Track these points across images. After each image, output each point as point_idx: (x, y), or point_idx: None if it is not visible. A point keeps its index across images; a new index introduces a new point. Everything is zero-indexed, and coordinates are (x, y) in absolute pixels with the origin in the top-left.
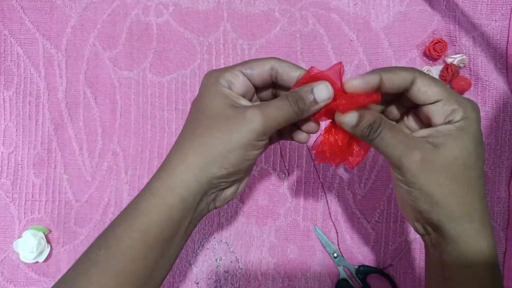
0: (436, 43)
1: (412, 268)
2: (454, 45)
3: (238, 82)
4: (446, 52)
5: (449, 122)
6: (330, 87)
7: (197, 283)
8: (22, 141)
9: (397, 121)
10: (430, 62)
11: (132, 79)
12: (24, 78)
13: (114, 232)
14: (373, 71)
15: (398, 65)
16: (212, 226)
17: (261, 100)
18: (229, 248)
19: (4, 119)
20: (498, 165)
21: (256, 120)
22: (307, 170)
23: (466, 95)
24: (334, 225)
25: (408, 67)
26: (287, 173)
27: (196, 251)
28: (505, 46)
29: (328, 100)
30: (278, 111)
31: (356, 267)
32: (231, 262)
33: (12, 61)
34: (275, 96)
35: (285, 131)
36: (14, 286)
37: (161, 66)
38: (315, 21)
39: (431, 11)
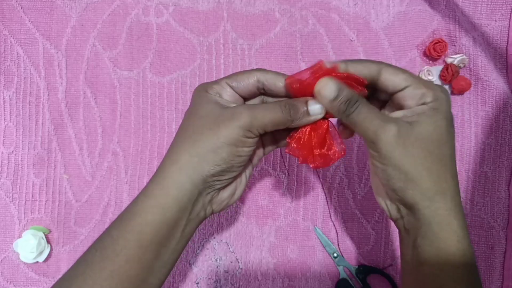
0: (436, 43)
1: None
2: (454, 45)
3: (226, 94)
4: (446, 52)
5: (420, 103)
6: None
7: (197, 283)
8: (22, 141)
9: None
10: (430, 62)
11: (132, 79)
12: (24, 78)
13: (110, 233)
14: (342, 61)
15: (399, 65)
16: (212, 226)
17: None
18: (229, 248)
19: (4, 119)
20: (498, 165)
21: (243, 116)
22: (307, 170)
23: (466, 95)
24: (334, 225)
25: (376, 60)
26: (287, 173)
27: (196, 251)
28: (505, 46)
29: (320, 115)
30: (266, 112)
31: (356, 267)
32: (231, 262)
33: (12, 61)
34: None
35: (280, 138)
36: (14, 286)
37: (161, 66)
38: (315, 21)
39: (431, 11)
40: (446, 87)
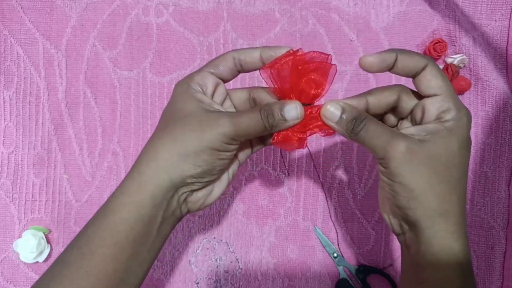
0: (436, 43)
1: None
2: (454, 45)
3: (209, 82)
4: (446, 52)
5: (439, 120)
6: (299, 108)
7: (197, 283)
8: (22, 141)
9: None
10: None
11: (132, 79)
12: (24, 78)
13: (86, 232)
14: (390, 50)
15: None
16: (212, 226)
17: (237, 107)
18: (229, 248)
19: (4, 119)
20: (498, 165)
21: (227, 126)
22: (307, 170)
23: (466, 95)
24: (334, 225)
25: (423, 54)
26: (287, 173)
27: (196, 251)
28: (505, 46)
29: (296, 120)
30: (249, 122)
31: (356, 267)
32: (231, 262)
33: (12, 61)
34: (252, 105)
35: (265, 137)
36: (14, 286)
37: (161, 66)
38: (315, 21)
39: (431, 11)
40: None
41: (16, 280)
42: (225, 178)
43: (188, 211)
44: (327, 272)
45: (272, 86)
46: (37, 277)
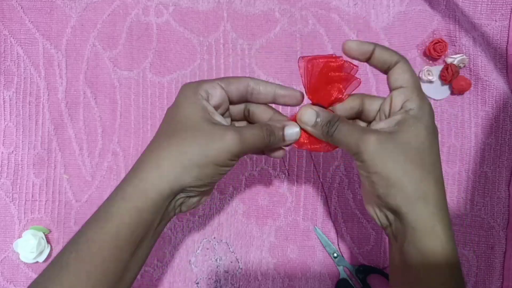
0: (436, 43)
1: None
2: (454, 45)
3: (216, 94)
4: (446, 52)
5: (404, 110)
6: (298, 130)
7: (197, 283)
8: (22, 141)
9: None
10: (430, 62)
11: (132, 79)
12: (24, 78)
13: (85, 235)
14: (370, 43)
15: None
16: (212, 226)
17: (232, 116)
18: (229, 248)
19: (4, 119)
20: (498, 165)
21: (234, 144)
22: (307, 170)
23: (466, 95)
24: (334, 225)
25: (398, 53)
26: (287, 173)
27: (196, 251)
28: (505, 46)
29: (294, 141)
30: (254, 139)
31: (356, 267)
32: (231, 262)
33: (12, 61)
34: (246, 116)
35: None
36: (14, 286)
37: (161, 66)
38: (315, 21)
39: (431, 11)
40: (446, 87)
41: (16, 280)
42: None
43: (180, 211)
44: (327, 272)
45: (303, 76)
46: None
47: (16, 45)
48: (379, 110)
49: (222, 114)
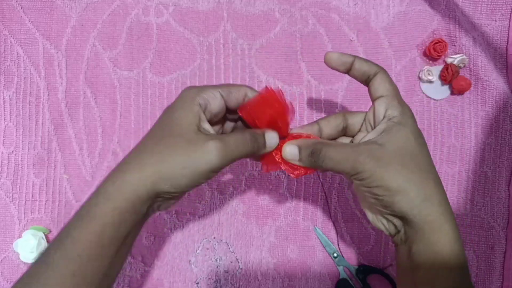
0: (436, 43)
1: None
2: (454, 45)
3: (216, 103)
4: (446, 52)
5: (387, 118)
6: (278, 137)
7: (197, 283)
8: (22, 141)
9: None
10: (430, 62)
11: (132, 79)
12: (24, 78)
13: (70, 234)
14: (350, 55)
15: (398, 65)
16: (212, 226)
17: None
18: (229, 248)
19: (4, 119)
20: (498, 165)
21: (214, 154)
22: None
23: (466, 95)
24: (334, 225)
25: (377, 64)
26: (287, 173)
27: (196, 251)
28: (505, 46)
29: (274, 147)
30: (238, 144)
31: (356, 267)
32: (231, 262)
33: (12, 61)
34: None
35: None
36: None
37: (161, 66)
38: (315, 21)
39: (431, 11)
40: (446, 87)
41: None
42: None
43: (158, 211)
44: (327, 272)
45: (251, 122)
46: None
47: (16, 45)
48: (363, 121)
49: (217, 122)
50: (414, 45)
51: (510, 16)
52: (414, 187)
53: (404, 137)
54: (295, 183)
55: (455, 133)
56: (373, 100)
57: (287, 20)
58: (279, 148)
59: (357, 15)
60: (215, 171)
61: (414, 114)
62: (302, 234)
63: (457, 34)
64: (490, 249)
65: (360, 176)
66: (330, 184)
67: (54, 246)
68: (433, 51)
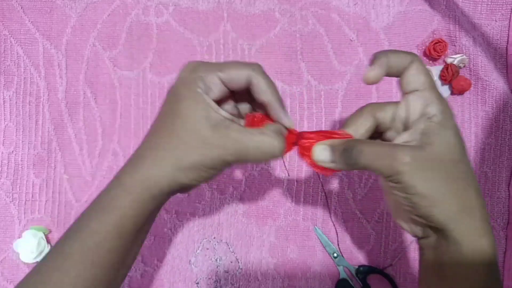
0: (436, 43)
1: (412, 268)
2: (454, 45)
3: (216, 89)
4: (446, 52)
5: (426, 116)
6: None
7: (197, 283)
8: (22, 141)
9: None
10: (430, 62)
11: (132, 79)
12: (24, 78)
13: (89, 226)
14: (380, 55)
15: None
16: (212, 226)
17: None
18: (229, 248)
19: (4, 119)
20: (498, 165)
21: (230, 158)
22: (307, 170)
23: (466, 95)
24: (334, 225)
25: (408, 52)
26: (287, 173)
27: (196, 251)
28: (505, 46)
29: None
30: (256, 150)
31: (356, 267)
32: (231, 262)
33: (12, 61)
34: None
35: None
36: (14, 286)
37: (161, 66)
38: (315, 21)
39: (431, 11)
40: (446, 87)
41: (16, 280)
42: None
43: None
44: (327, 272)
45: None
46: None
47: (16, 45)
48: (393, 117)
49: (227, 98)
50: (414, 45)
51: (510, 16)
52: (456, 199)
53: (447, 141)
54: (295, 183)
55: None
56: (406, 93)
57: (287, 20)
58: (303, 148)
59: (357, 15)
60: (228, 167)
61: None
62: (302, 234)
63: (457, 34)
64: None
65: (397, 178)
66: (330, 184)
67: (72, 237)
68: (433, 51)
